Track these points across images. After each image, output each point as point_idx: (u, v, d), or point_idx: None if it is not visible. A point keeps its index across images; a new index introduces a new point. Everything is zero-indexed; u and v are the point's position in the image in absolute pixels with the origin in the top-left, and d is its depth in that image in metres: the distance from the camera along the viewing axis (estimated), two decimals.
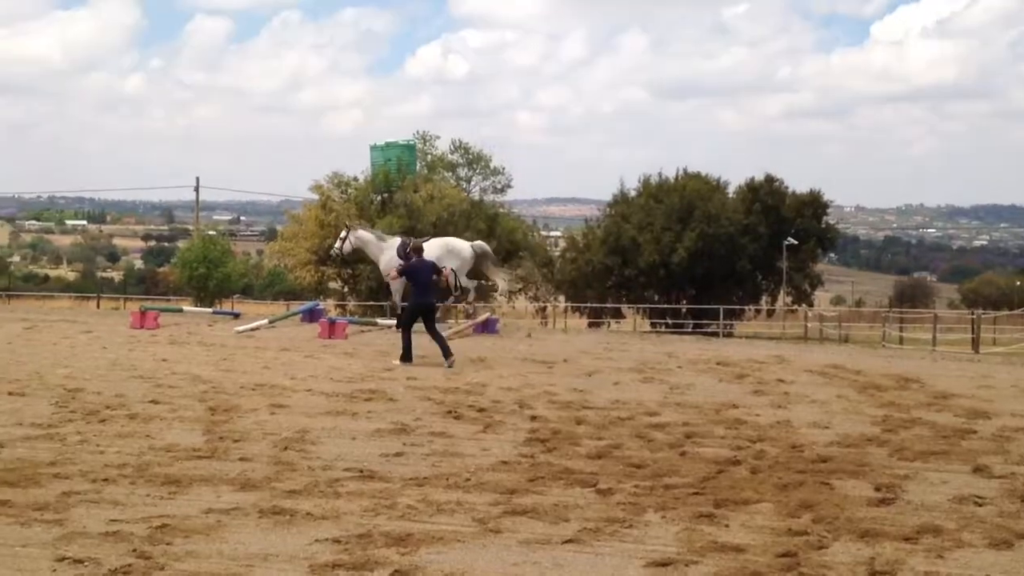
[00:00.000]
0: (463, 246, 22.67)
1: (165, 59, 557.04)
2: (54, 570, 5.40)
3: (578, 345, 20.45)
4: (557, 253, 54.37)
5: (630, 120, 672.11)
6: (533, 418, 10.74)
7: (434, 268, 16.71)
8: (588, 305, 48.54)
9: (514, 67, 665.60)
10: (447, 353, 15.57)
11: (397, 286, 21.46)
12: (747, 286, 51.67)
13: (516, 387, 13.21)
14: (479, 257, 22.89)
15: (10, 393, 11.55)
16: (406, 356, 15.77)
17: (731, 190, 52.84)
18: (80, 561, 5.52)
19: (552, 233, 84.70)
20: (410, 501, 7.02)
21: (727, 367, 15.94)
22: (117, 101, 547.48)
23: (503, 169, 47.30)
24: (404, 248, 21.65)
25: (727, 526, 6.51)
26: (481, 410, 11.19)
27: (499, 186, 47.50)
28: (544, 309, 46.86)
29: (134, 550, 5.73)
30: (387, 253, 22.12)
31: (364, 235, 22.82)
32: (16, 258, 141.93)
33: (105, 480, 7.43)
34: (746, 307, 50.12)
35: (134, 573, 5.36)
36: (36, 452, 8.41)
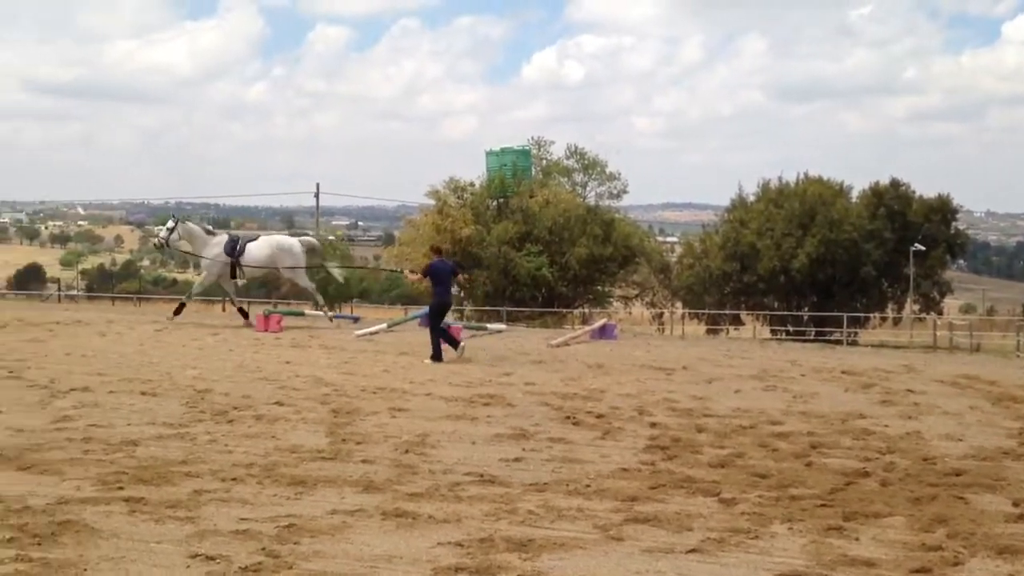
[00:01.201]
0: (293, 243, 22.49)
1: (287, 67, 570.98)
2: (188, 566, 5.54)
3: (697, 352, 20.20)
4: (674, 259, 53.86)
5: (749, 123, 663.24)
6: (653, 425, 10.63)
7: (454, 268, 17.34)
8: (706, 311, 47.97)
9: (630, 71, 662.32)
10: (438, 356, 16.17)
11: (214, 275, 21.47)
12: (872, 293, 50.33)
13: (635, 393, 13.10)
14: (309, 253, 22.76)
15: (143, 393, 11.92)
16: (437, 356, 16.27)
17: (854, 195, 51.56)
18: (212, 558, 5.65)
19: (668, 239, 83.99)
20: (531, 506, 7.01)
21: (853, 376, 15.54)
22: (241, 109, 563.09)
23: (619, 174, 47.17)
24: (232, 245, 21.30)
25: (857, 539, 6.33)
26: (600, 416, 11.12)
27: (615, 191, 47.38)
28: (661, 315, 46.50)
29: (263, 548, 5.85)
30: (212, 249, 21.57)
31: (192, 228, 22.16)
32: (145, 262, 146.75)
33: (234, 479, 7.60)
34: (871, 315, 48.87)
35: (264, 571, 5.46)
36: (168, 451, 8.65)
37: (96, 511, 6.55)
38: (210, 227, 21.39)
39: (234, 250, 21.13)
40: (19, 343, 17.17)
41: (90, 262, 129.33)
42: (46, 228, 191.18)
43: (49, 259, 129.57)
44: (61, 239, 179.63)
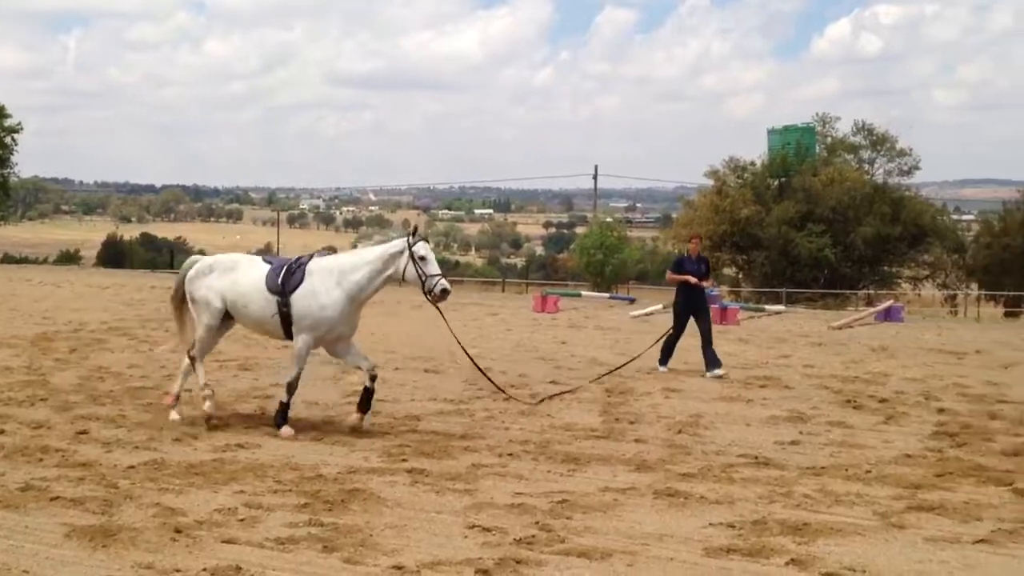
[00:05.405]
0: None
1: (572, 51, 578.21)
2: (465, 536, 5.76)
3: (993, 336, 19.00)
4: (970, 238, 50.66)
5: None
6: (940, 411, 10.12)
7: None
8: (1005, 293, 44.87)
9: (931, 42, 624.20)
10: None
11: None
12: None
13: (921, 378, 12.49)
14: None
15: (426, 370, 12.45)
16: None
17: None
18: (488, 530, 5.85)
19: (964, 216, 79.07)
20: (807, 490, 6.83)
21: None
22: (527, 93, 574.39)
23: (910, 150, 44.91)
24: None
25: None
26: (883, 400, 10.69)
27: (905, 168, 45.14)
28: (954, 297, 43.95)
29: (537, 522, 5.99)
30: None
31: None
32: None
33: (510, 455, 7.83)
34: None
35: (537, 544, 5.60)
36: (449, 426, 9.01)
37: (382, 481, 6.92)
38: None
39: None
40: None
41: None
42: (340, 213, 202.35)
43: (343, 243, 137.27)
44: (354, 223, 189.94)
